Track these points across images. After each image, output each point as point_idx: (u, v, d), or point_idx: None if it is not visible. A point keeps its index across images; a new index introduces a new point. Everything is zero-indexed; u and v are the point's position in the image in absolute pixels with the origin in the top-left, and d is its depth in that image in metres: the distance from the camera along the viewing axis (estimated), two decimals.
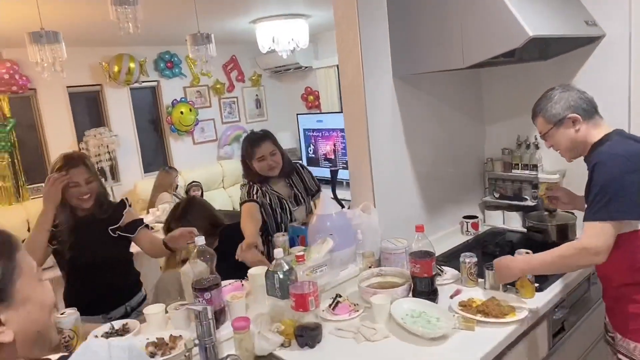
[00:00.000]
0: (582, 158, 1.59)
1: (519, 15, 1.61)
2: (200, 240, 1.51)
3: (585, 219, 1.43)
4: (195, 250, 1.51)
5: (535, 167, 2.28)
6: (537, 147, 2.30)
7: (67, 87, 5.00)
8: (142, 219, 2.17)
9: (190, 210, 2.20)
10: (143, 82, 5.50)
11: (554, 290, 1.70)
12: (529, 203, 2.31)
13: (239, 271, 1.84)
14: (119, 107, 5.38)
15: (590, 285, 1.94)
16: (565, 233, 2.01)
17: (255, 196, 2.25)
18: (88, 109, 5.37)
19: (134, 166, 5.48)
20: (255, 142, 2.30)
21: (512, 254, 1.68)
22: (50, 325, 0.79)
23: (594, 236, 1.40)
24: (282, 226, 2.32)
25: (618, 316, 1.54)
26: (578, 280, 1.84)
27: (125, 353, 0.71)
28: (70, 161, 1.94)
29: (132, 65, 5.19)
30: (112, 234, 2.03)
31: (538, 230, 2.08)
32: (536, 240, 2.07)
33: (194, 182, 5.11)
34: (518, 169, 2.35)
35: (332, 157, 5.70)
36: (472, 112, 2.51)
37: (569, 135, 1.55)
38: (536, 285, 1.66)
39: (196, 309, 1.31)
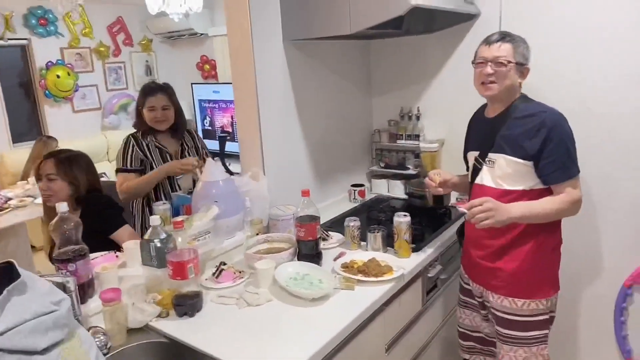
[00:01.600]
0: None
1: None
2: (63, 206, 1.36)
3: (565, 176, 1.50)
4: (58, 217, 1.36)
5: (417, 137, 2.40)
6: (418, 118, 2.43)
7: None
8: None
9: (78, 160, 1.96)
10: (9, 39, 4.83)
11: (428, 250, 1.81)
12: (411, 172, 2.44)
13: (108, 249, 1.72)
14: None
15: (460, 245, 2.10)
16: (441, 198, 2.14)
17: (130, 158, 2.22)
18: None
19: (0, 135, 4.84)
20: (150, 91, 2.25)
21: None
22: None
23: (578, 189, 1.53)
24: (167, 185, 2.25)
25: (520, 282, 1.60)
26: (451, 240, 1.98)
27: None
28: None
29: None
30: None
31: (417, 196, 2.20)
32: (416, 206, 2.19)
33: None
34: (402, 139, 2.46)
35: (230, 129, 5.54)
36: (361, 84, 2.57)
37: (515, 80, 1.56)
38: (412, 245, 1.76)
39: (55, 280, 1.18)
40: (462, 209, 1.53)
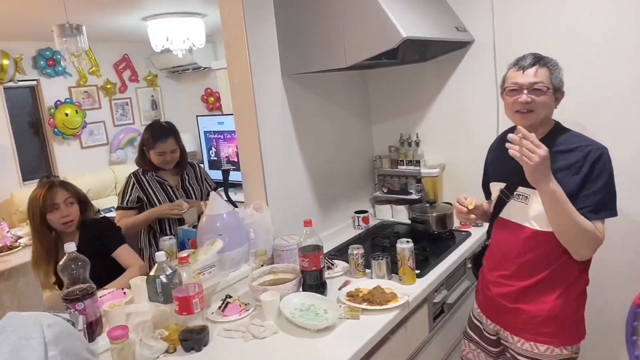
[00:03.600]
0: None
1: (394, 18, 1.71)
2: (71, 246, 1.40)
3: (600, 213, 1.36)
4: (66, 257, 1.39)
5: (418, 162, 2.43)
6: (417, 144, 2.46)
7: None
8: None
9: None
10: (19, 81, 4.97)
11: (433, 275, 1.82)
12: (414, 196, 2.46)
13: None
14: None
15: (466, 269, 2.10)
16: (444, 222, 2.16)
17: (129, 197, 2.32)
18: None
19: (10, 174, 4.92)
20: (159, 136, 2.31)
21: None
22: None
23: (603, 232, 1.37)
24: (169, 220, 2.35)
25: (545, 326, 1.46)
26: (457, 264, 1.98)
27: (58, 325, 0.67)
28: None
29: (5, 62, 4.67)
30: None
31: (420, 221, 2.21)
32: (419, 231, 2.20)
33: None
34: (403, 164, 2.49)
35: (235, 159, 5.60)
36: (360, 111, 2.62)
37: (551, 106, 1.43)
38: (417, 271, 1.77)
39: (63, 317, 1.20)
40: (513, 135, 1.30)
